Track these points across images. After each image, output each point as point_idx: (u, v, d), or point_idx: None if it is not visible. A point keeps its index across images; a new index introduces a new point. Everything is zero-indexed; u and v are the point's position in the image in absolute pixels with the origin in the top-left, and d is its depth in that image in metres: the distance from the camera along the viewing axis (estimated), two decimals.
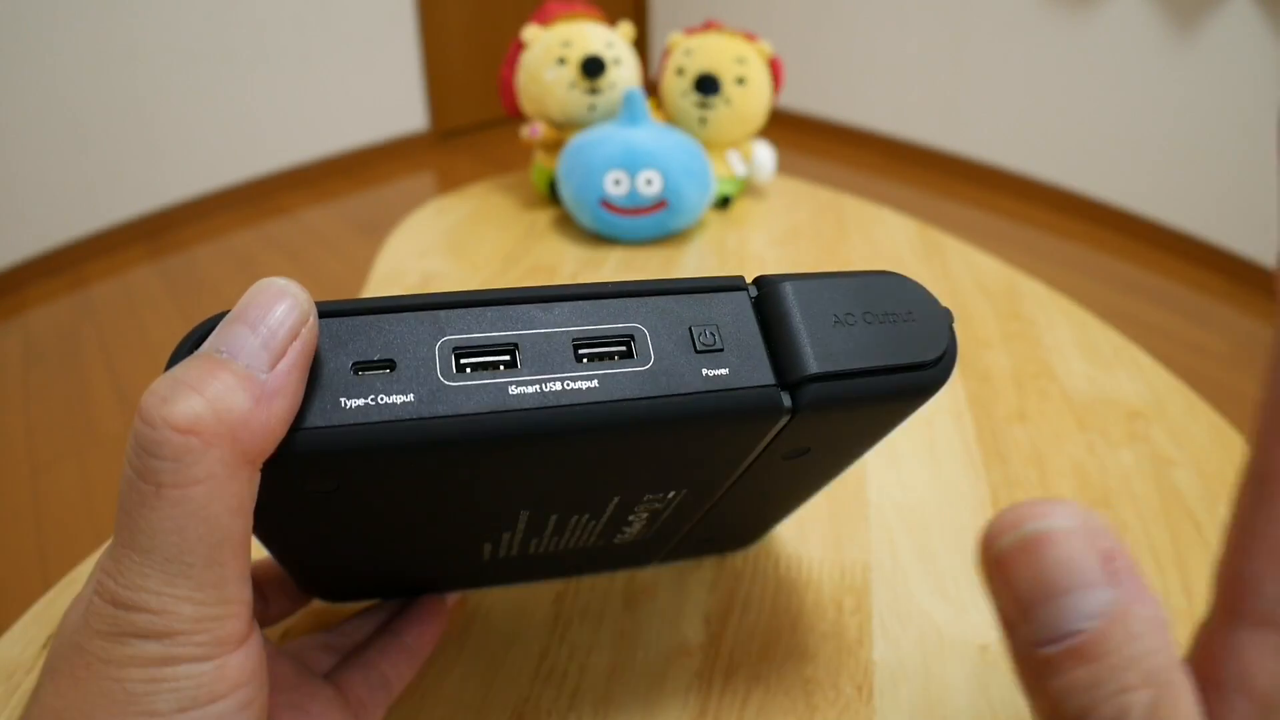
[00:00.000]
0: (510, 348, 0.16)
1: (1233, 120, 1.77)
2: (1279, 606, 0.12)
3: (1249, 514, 0.12)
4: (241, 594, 0.15)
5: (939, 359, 0.17)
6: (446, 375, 0.15)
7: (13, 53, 1.72)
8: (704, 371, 0.16)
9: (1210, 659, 0.12)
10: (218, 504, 0.13)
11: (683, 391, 0.16)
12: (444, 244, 0.66)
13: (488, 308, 0.16)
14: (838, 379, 0.16)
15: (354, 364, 0.15)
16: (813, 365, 0.16)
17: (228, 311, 0.15)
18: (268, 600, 0.25)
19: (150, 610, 0.13)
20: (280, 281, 0.15)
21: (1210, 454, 0.40)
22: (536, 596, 0.31)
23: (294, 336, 0.14)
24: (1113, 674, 0.11)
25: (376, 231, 1.98)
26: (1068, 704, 0.11)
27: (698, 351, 0.16)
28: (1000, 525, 0.12)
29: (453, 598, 0.29)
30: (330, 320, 0.15)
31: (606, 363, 0.16)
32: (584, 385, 0.16)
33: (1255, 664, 0.12)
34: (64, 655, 0.14)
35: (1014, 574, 0.12)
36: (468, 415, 0.15)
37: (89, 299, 1.79)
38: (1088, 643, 0.11)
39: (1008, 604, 0.12)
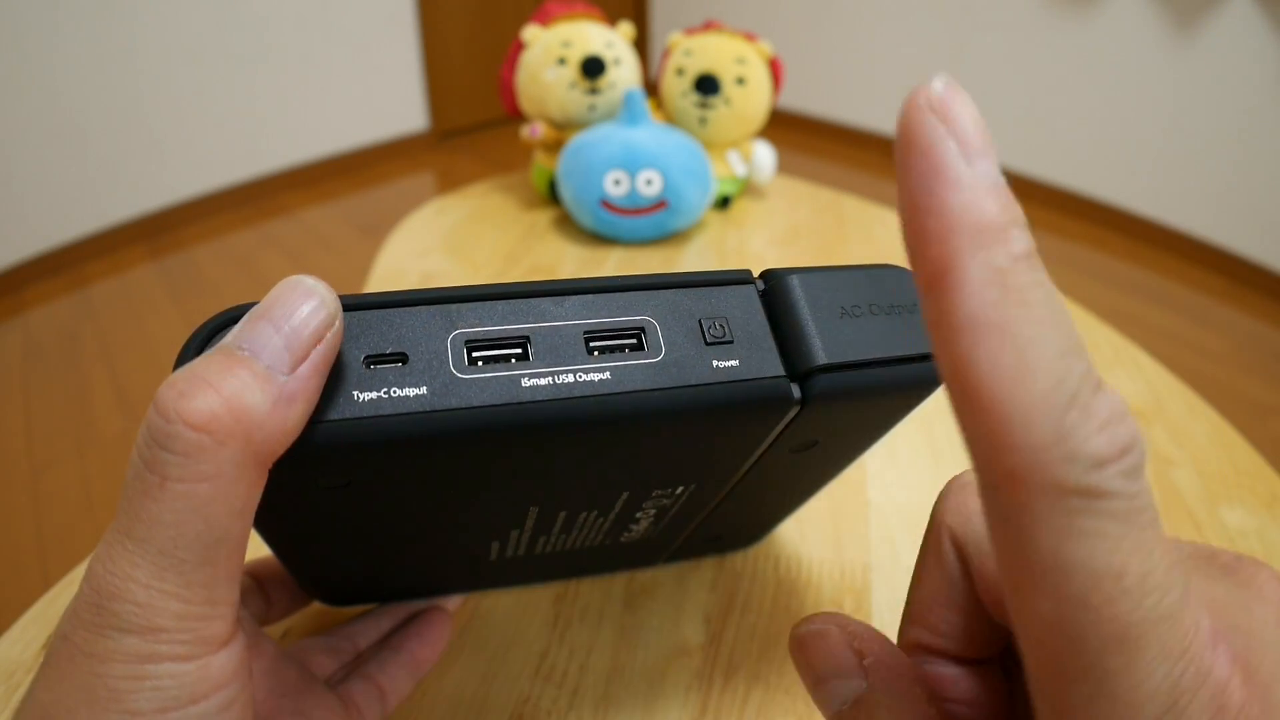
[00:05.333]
0: (522, 340, 0.16)
1: (1232, 120, 1.77)
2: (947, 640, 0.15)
3: (918, 566, 0.16)
4: (229, 596, 0.14)
5: None
6: (459, 368, 0.15)
7: (13, 53, 1.72)
8: (714, 363, 0.16)
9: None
10: (221, 503, 0.13)
11: (693, 383, 0.16)
12: (444, 244, 0.66)
13: (499, 301, 0.16)
14: (846, 370, 0.17)
15: (366, 357, 0.15)
16: (821, 356, 0.16)
17: (246, 305, 0.15)
18: (270, 599, 0.25)
19: (135, 602, 0.13)
20: (309, 281, 0.15)
21: (1210, 454, 0.40)
22: (536, 596, 0.31)
23: (318, 339, 0.14)
24: None
25: (376, 231, 1.98)
26: None
27: (708, 344, 0.17)
28: (798, 624, 0.16)
29: (454, 603, 0.29)
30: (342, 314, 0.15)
31: (618, 355, 0.16)
32: (596, 377, 0.16)
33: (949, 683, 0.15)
34: (54, 646, 0.14)
35: (798, 658, 0.15)
36: (481, 407, 0.15)
37: (89, 299, 1.79)
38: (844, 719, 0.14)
39: (802, 677, 0.16)
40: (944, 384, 0.10)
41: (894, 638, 0.16)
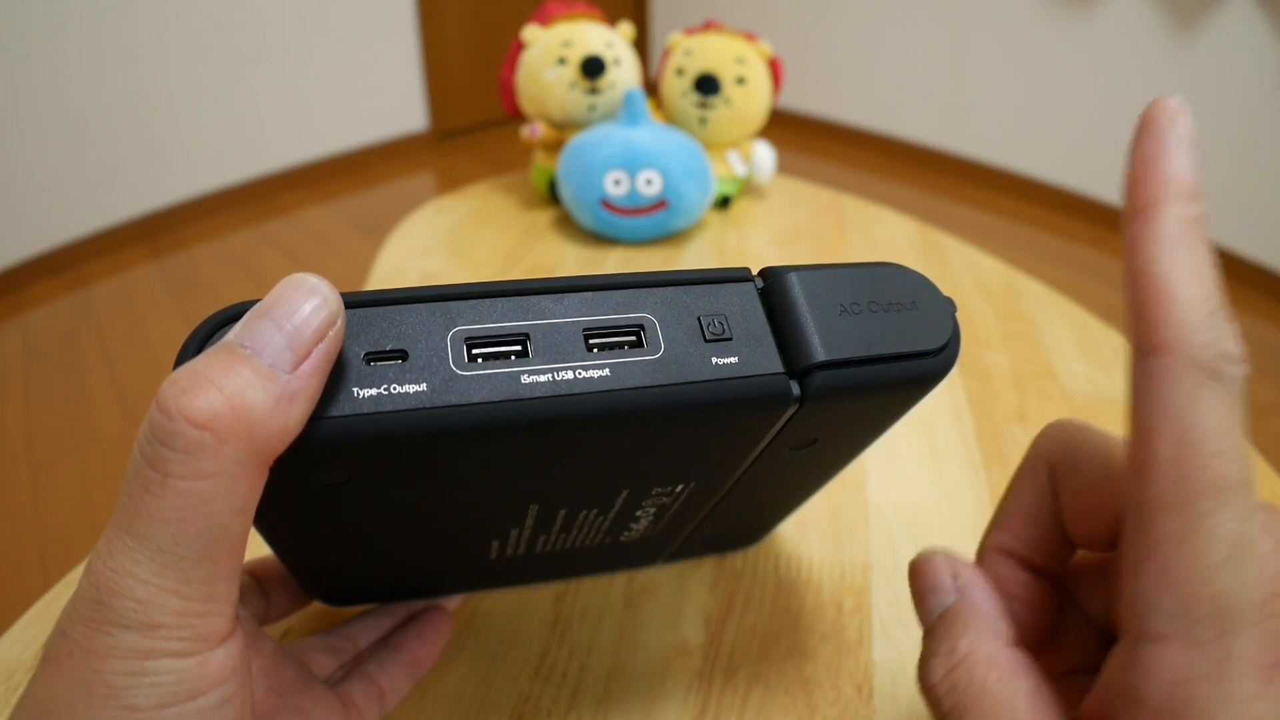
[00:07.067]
0: (522, 338, 0.16)
1: (1233, 120, 1.77)
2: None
3: (1012, 486, 0.19)
4: (228, 593, 0.14)
5: (943, 346, 0.18)
6: (459, 365, 0.15)
7: (13, 53, 1.72)
8: (713, 360, 0.16)
9: (1117, 675, 0.14)
10: (221, 501, 0.13)
11: (693, 380, 0.16)
12: (444, 244, 0.66)
13: (499, 298, 0.16)
14: (845, 367, 0.17)
15: (366, 354, 0.15)
16: (820, 353, 0.16)
17: (247, 302, 0.15)
18: (270, 599, 0.25)
19: (135, 598, 0.13)
20: (311, 279, 0.15)
21: None
22: (536, 596, 0.31)
23: (320, 338, 0.14)
24: None
25: (376, 231, 1.98)
26: None
27: (707, 341, 0.17)
28: (917, 555, 0.19)
29: (454, 603, 0.29)
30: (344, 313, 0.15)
31: (617, 352, 0.16)
32: (595, 374, 0.16)
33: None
34: (53, 642, 0.14)
35: (912, 579, 0.19)
36: (480, 404, 0.15)
37: (89, 299, 1.79)
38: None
39: (913, 594, 0.19)
40: (1128, 279, 0.15)
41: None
